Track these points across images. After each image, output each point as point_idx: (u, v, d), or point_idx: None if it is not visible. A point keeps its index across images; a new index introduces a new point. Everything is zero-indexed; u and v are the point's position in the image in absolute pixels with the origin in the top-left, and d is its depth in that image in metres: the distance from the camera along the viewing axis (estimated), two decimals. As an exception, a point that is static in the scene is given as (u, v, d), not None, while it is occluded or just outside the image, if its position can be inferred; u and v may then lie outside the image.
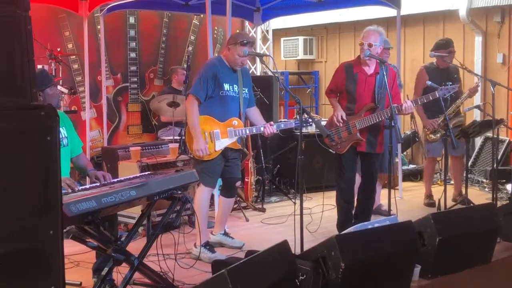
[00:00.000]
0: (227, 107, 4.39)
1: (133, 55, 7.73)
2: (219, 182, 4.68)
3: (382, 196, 5.75)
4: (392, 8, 6.58)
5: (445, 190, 5.25)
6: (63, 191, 2.97)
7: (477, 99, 7.07)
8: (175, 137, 5.95)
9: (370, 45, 4.56)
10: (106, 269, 3.23)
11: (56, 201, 1.98)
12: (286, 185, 6.87)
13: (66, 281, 2.21)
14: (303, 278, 3.02)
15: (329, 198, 5.30)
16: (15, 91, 1.96)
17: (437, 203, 5.61)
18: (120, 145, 6.24)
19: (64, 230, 2.97)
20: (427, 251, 3.59)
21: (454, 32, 7.41)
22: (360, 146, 4.68)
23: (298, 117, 4.26)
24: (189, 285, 3.68)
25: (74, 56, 7.14)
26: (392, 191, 4.45)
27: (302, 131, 4.02)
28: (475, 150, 7.32)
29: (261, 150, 6.36)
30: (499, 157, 6.73)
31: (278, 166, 6.85)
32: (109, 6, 6.51)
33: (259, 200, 6.25)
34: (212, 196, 4.82)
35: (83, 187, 3.32)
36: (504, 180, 6.62)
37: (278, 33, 9.62)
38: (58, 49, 6.69)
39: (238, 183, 4.75)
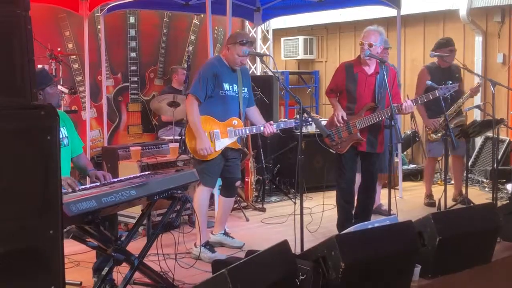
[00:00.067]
0: (226, 106, 4.38)
1: (133, 54, 7.73)
2: (219, 181, 4.68)
3: (382, 196, 5.75)
4: (392, 8, 6.58)
5: (445, 190, 5.24)
6: (63, 191, 2.98)
7: (477, 99, 7.07)
8: (175, 137, 5.95)
9: (370, 45, 4.56)
10: (106, 268, 3.23)
11: (56, 201, 1.98)
12: (286, 185, 6.87)
13: (66, 281, 2.21)
14: (303, 278, 3.02)
15: (329, 198, 5.30)
16: (15, 91, 1.96)
17: (437, 203, 5.61)
18: (120, 145, 6.24)
19: (64, 230, 2.98)
20: (427, 251, 3.59)
21: (455, 32, 7.40)
22: (360, 145, 4.68)
23: (298, 117, 4.25)
24: (189, 285, 3.68)
25: (74, 56, 7.13)
26: (392, 191, 4.45)
27: (303, 131, 4.02)
28: (475, 150, 7.32)
29: (261, 150, 6.36)
30: (499, 157, 6.73)
31: (278, 165, 6.85)
32: (109, 6, 6.51)
33: (259, 200, 6.25)
34: (212, 196, 4.82)
35: (83, 186, 3.32)
36: (504, 180, 6.62)
37: (278, 33, 9.62)
38: (59, 49, 6.69)
39: (238, 183, 4.75)
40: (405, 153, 7.91)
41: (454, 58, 5.97)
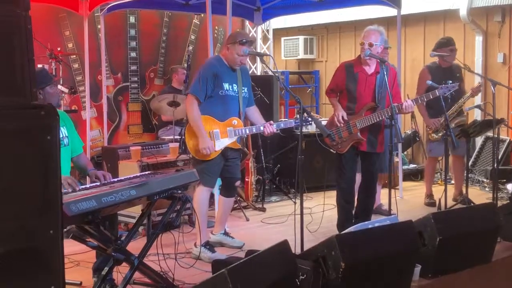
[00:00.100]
0: (226, 106, 4.38)
1: (133, 54, 7.73)
2: (220, 181, 4.68)
3: (382, 196, 5.75)
4: (393, 8, 6.57)
5: (445, 190, 5.24)
6: (63, 191, 2.98)
7: (477, 98, 7.06)
8: (176, 137, 5.95)
9: (370, 45, 4.56)
10: (106, 268, 3.23)
11: (56, 200, 1.98)
12: (286, 185, 6.87)
13: (66, 281, 2.21)
14: (303, 277, 3.01)
15: (329, 197, 5.30)
16: (15, 91, 1.95)
17: (437, 202, 5.61)
18: (121, 145, 6.24)
19: (64, 230, 2.98)
20: (428, 251, 3.59)
21: (455, 32, 7.40)
22: (360, 145, 4.68)
23: (298, 117, 4.25)
24: (189, 285, 3.68)
25: (74, 56, 7.13)
26: (393, 190, 4.44)
27: (303, 130, 4.02)
28: (475, 149, 7.32)
29: (262, 150, 6.36)
30: (499, 157, 6.73)
31: (279, 165, 6.85)
32: (109, 6, 6.50)
33: (259, 200, 6.25)
34: (212, 196, 4.82)
35: (83, 186, 3.32)
36: (504, 180, 6.62)
37: (279, 33, 9.62)
38: (59, 49, 6.69)
39: (238, 183, 4.75)
40: (405, 153, 7.91)
41: (455, 57, 5.96)
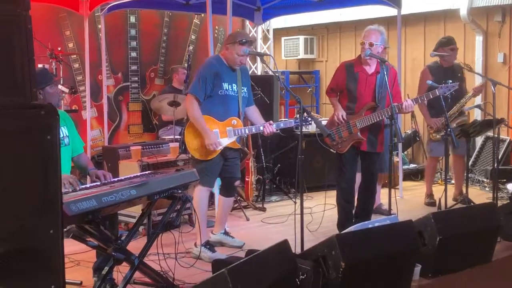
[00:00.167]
0: (226, 106, 4.38)
1: (133, 54, 7.73)
2: (220, 181, 4.68)
3: (382, 196, 5.75)
4: (393, 8, 6.57)
5: (445, 190, 5.24)
6: (64, 190, 2.98)
7: (478, 98, 7.06)
8: (176, 137, 5.95)
9: (371, 45, 4.56)
10: (106, 268, 3.23)
11: (56, 200, 1.98)
12: (286, 185, 6.87)
13: (67, 281, 2.21)
14: (303, 277, 3.02)
15: (329, 197, 5.30)
16: (15, 91, 1.95)
17: (437, 202, 5.61)
18: (121, 145, 6.24)
19: (65, 229, 2.98)
20: (428, 251, 3.60)
21: (455, 32, 7.39)
22: (361, 145, 4.68)
23: (298, 117, 4.26)
24: (190, 284, 3.68)
25: (74, 56, 7.13)
26: (393, 190, 4.44)
27: (303, 130, 4.02)
28: (476, 149, 7.32)
29: (262, 150, 6.35)
30: (499, 157, 6.73)
31: (279, 165, 6.85)
32: (109, 5, 6.51)
33: (259, 200, 6.25)
34: (212, 195, 4.82)
35: (83, 186, 3.32)
36: (504, 180, 6.61)
37: (279, 33, 9.62)
38: (59, 48, 6.70)
39: (238, 183, 4.75)
40: (405, 152, 7.90)
41: (456, 57, 5.96)
